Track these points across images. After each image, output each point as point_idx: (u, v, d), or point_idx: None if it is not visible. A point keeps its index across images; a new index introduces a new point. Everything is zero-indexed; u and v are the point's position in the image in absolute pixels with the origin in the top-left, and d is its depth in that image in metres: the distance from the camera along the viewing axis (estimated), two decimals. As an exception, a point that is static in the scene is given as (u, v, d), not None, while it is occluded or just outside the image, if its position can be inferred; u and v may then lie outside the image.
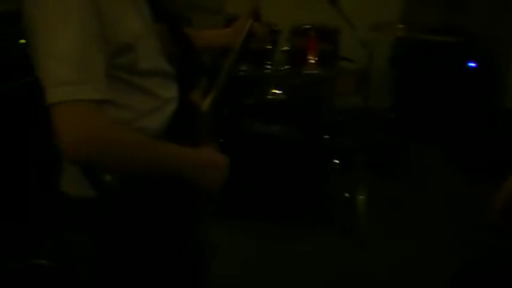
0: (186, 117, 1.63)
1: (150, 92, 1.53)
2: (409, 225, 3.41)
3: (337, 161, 3.40)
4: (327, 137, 3.29)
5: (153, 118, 1.54)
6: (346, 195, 3.40)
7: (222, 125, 3.32)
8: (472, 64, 4.34)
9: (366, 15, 3.99)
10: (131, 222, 1.52)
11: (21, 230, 2.95)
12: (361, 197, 3.28)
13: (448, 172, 3.99)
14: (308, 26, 3.57)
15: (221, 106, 1.89)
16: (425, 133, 4.21)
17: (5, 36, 2.96)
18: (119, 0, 1.41)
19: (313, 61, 3.45)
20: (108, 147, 1.33)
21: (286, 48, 3.54)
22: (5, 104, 2.95)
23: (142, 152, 1.41)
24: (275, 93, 3.35)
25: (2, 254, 2.83)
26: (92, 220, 1.51)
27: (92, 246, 1.56)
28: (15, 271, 2.36)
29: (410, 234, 3.33)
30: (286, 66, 3.50)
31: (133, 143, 1.40)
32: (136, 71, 1.46)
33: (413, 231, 3.36)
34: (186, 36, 1.78)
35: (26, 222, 2.98)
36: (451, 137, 4.15)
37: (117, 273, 1.59)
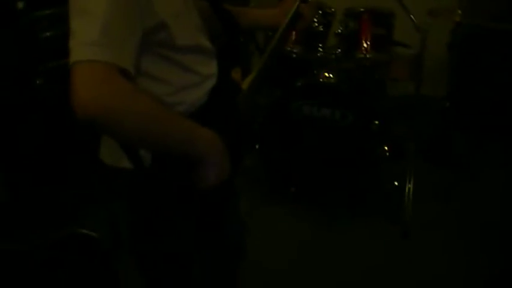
0: (225, 94, 1.64)
1: (189, 68, 1.54)
2: (456, 218, 3.34)
3: (387, 148, 3.34)
4: (377, 122, 3.23)
5: (191, 93, 1.54)
6: (395, 183, 3.36)
7: (270, 106, 3.32)
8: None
9: (422, 1, 3.93)
10: (164, 195, 1.53)
11: (61, 196, 3.04)
12: (409, 186, 3.23)
13: (503, 165, 3.88)
14: (362, 9, 3.50)
15: (264, 86, 1.89)
16: (480, 124, 4.10)
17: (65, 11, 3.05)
18: None
19: (367, 45, 3.40)
20: (116, 112, 1.27)
21: (339, 31, 3.49)
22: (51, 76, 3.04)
23: (157, 123, 1.36)
24: (327, 76, 3.32)
25: (44, 222, 2.93)
26: (128, 191, 1.54)
27: (127, 215, 1.59)
28: (56, 240, 2.43)
29: (456, 226, 3.26)
30: (339, 50, 3.46)
31: (150, 112, 1.35)
32: (174, 47, 1.47)
33: (461, 224, 3.29)
34: (228, 13, 1.78)
35: (66, 188, 3.06)
36: (508, 130, 4.04)
37: (154, 244, 1.63)
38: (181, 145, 1.41)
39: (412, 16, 3.42)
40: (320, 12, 3.46)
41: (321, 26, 3.46)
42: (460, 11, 3.58)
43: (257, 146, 3.42)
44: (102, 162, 1.60)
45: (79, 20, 1.28)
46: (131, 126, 1.30)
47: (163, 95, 1.49)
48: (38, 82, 3.01)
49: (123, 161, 1.46)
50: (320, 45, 3.46)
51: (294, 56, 3.39)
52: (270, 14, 2.01)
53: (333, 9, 3.56)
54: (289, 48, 3.42)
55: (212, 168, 1.46)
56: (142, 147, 1.42)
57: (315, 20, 3.43)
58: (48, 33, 3.04)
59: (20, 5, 2.99)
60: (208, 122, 1.48)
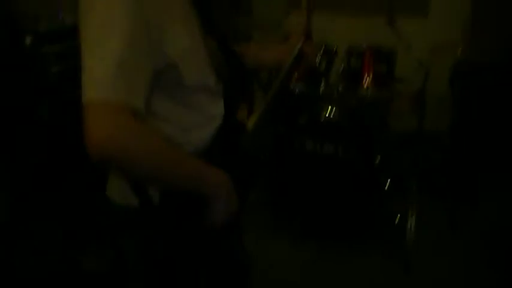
0: (231, 135, 1.66)
1: (196, 108, 1.56)
2: (459, 252, 3.34)
3: (389, 182, 3.36)
4: (380, 157, 3.26)
5: (197, 133, 1.57)
6: (398, 217, 3.37)
7: (275, 142, 3.36)
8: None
9: (425, 37, 3.98)
10: (173, 232, 1.54)
11: (69, 231, 3.05)
12: (411, 219, 3.25)
13: (505, 199, 3.89)
14: (364, 47, 3.56)
15: (269, 123, 1.91)
16: (482, 158, 4.12)
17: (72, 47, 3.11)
18: (169, 17, 1.45)
19: (369, 82, 3.45)
20: (133, 150, 1.30)
21: (342, 68, 3.54)
22: (64, 108, 3.08)
23: (167, 162, 1.39)
24: (329, 112, 3.36)
25: (51, 256, 2.94)
26: (135, 228, 1.56)
27: (135, 253, 1.61)
28: (64, 274, 2.44)
29: (459, 261, 3.27)
30: (341, 86, 3.50)
31: (161, 152, 1.38)
32: (183, 87, 1.49)
33: (463, 258, 3.29)
34: (235, 52, 1.81)
35: (74, 225, 3.08)
36: (510, 163, 4.05)
37: (162, 279, 1.63)
38: (192, 183, 1.44)
39: (413, 53, 3.47)
40: (323, 49, 3.50)
41: (323, 63, 3.50)
42: (461, 48, 3.63)
43: (262, 181, 3.44)
44: (110, 199, 1.63)
45: (92, 58, 1.30)
46: (144, 165, 1.33)
47: (170, 134, 1.51)
48: (43, 115, 3.04)
49: (131, 199, 1.48)
50: (323, 82, 3.50)
51: (297, 92, 3.43)
52: (274, 52, 2.04)
53: (335, 47, 3.61)
54: (292, 85, 3.47)
55: (221, 206, 1.50)
56: (154, 185, 1.45)
57: (318, 57, 3.47)
58: (54, 68, 3.09)
59: (28, 40, 3.04)
60: (214, 160, 1.51)
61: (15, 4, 3.11)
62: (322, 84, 3.47)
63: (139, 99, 1.33)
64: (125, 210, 1.55)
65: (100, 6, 1.32)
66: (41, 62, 3.06)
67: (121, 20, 1.31)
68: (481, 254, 3.31)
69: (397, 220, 3.38)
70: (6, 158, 2.93)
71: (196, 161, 1.46)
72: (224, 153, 1.61)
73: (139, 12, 1.33)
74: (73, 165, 3.03)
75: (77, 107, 2.77)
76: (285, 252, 3.34)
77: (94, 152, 1.25)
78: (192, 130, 1.56)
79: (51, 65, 3.08)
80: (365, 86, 3.44)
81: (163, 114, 1.49)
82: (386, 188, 3.39)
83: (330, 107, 3.36)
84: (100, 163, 1.29)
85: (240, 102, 1.75)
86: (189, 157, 1.46)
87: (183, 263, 1.60)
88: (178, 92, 1.50)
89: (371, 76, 3.46)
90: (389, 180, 3.41)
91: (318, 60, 3.43)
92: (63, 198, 3.07)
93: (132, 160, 1.30)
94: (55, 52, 3.10)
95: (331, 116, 3.33)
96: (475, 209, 3.78)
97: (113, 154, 1.27)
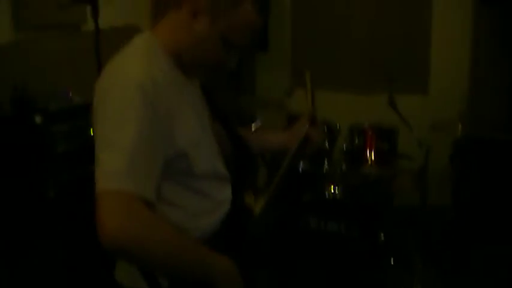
0: (238, 220, 1.69)
1: (205, 194, 1.60)
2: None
3: (393, 259, 3.36)
4: (383, 234, 3.28)
5: (205, 218, 1.60)
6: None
7: (280, 221, 3.38)
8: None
9: (425, 114, 4.06)
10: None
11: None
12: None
13: (510, 272, 3.87)
14: (366, 126, 3.63)
15: (275, 207, 1.94)
16: (486, 233, 4.12)
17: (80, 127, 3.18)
18: (179, 109, 1.51)
19: (371, 160, 3.50)
20: (144, 240, 1.33)
21: (344, 146, 3.60)
22: (73, 190, 3.11)
23: (177, 251, 1.42)
24: (333, 191, 3.40)
25: None
26: None
27: None
28: None
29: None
30: (345, 165, 3.55)
31: (171, 241, 1.41)
32: (192, 175, 1.54)
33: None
34: (241, 138, 1.87)
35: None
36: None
37: None
38: (199, 271, 1.47)
39: (414, 132, 3.53)
40: (326, 128, 3.58)
41: (326, 142, 3.56)
42: (460, 125, 3.69)
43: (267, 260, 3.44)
44: (118, 283, 1.64)
45: (106, 152, 1.36)
46: (155, 255, 1.36)
47: (179, 219, 1.54)
48: (50, 194, 3.08)
49: (140, 283, 1.50)
50: (326, 160, 3.55)
51: (301, 170, 3.48)
52: (279, 137, 2.07)
53: (338, 126, 3.68)
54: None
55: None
56: (163, 273, 1.47)
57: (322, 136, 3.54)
58: (61, 148, 3.14)
59: (38, 119, 3.11)
60: (220, 245, 1.55)
61: (28, 83, 3.20)
62: (326, 162, 3.53)
63: (150, 190, 1.38)
64: None
65: (113, 105, 1.39)
66: (49, 141, 3.12)
67: (133, 117, 1.37)
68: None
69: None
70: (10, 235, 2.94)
71: (204, 249, 1.49)
72: (231, 237, 1.63)
73: (151, 108, 1.40)
74: (78, 247, 3.05)
75: (82, 187, 2.82)
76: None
77: (106, 241, 1.29)
78: (200, 216, 1.60)
79: (58, 144, 3.13)
80: (368, 164, 3.49)
81: (172, 199, 1.53)
82: (390, 264, 3.38)
83: (333, 185, 3.40)
84: (111, 252, 1.33)
85: (246, 187, 1.78)
86: (197, 245, 1.49)
87: None
88: (188, 179, 1.55)
89: (373, 154, 3.52)
90: (393, 256, 3.39)
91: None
92: (70, 281, 3.06)
93: (143, 250, 1.34)
94: (62, 131, 3.15)
95: (335, 194, 3.36)
96: (480, 282, 3.75)
97: (124, 244, 1.31)
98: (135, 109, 1.38)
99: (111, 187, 1.32)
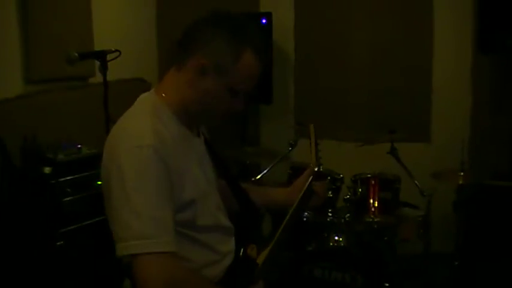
0: (242, 272, 1.74)
1: (209, 246, 1.66)
2: None
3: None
4: (388, 284, 3.28)
5: (210, 270, 1.66)
6: None
7: (283, 269, 3.39)
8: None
9: (427, 162, 4.10)
10: None
11: None
12: None
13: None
14: (369, 175, 3.67)
15: (277, 259, 1.98)
16: (491, 280, 4.11)
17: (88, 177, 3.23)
18: (185, 163, 1.58)
19: (375, 209, 3.53)
20: None
21: (348, 195, 3.64)
22: (79, 239, 3.15)
23: None
24: (337, 240, 3.42)
25: None
26: None
27: None
28: None
29: None
30: (348, 214, 3.57)
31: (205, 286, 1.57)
32: (196, 227, 1.61)
33: None
34: (245, 193, 1.92)
35: None
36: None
37: None
38: None
39: (416, 182, 3.58)
40: (329, 178, 3.62)
41: (330, 192, 3.60)
42: (462, 173, 3.73)
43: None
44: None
45: (131, 216, 1.45)
46: None
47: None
48: (58, 244, 3.11)
49: None
50: (330, 209, 3.58)
51: (305, 219, 3.51)
52: (282, 192, 2.13)
53: (341, 175, 3.72)
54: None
55: None
56: None
57: (325, 185, 3.57)
58: (69, 198, 3.18)
59: (47, 170, 3.16)
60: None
61: (38, 134, 3.26)
62: (329, 211, 3.56)
63: (174, 242, 1.49)
64: None
65: (130, 168, 1.48)
66: (57, 191, 3.17)
67: (149, 177, 1.47)
68: None
69: None
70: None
71: None
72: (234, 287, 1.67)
73: (163, 166, 1.49)
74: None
75: (89, 237, 2.86)
76: None
77: None
78: (206, 267, 1.66)
79: (66, 194, 3.18)
80: (371, 213, 3.52)
81: (180, 253, 1.57)
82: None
83: (337, 234, 3.42)
84: None
85: (250, 240, 1.83)
86: None
87: None
88: (192, 232, 1.61)
89: (377, 203, 3.55)
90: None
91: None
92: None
93: None
94: (70, 182, 3.21)
95: (339, 243, 3.39)
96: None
97: None
98: (151, 170, 1.47)
99: (145, 250, 1.42)
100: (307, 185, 2.01)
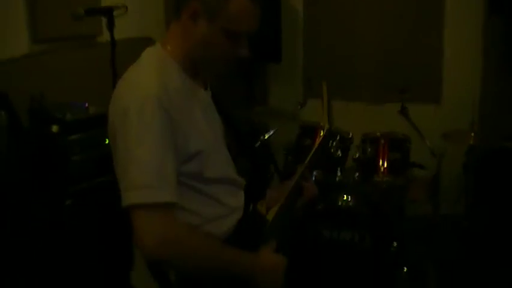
0: (251, 228, 1.73)
1: (217, 200, 1.66)
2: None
3: (406, 269, 3.36)
4: (396, 244, 3.28)
5: (218, 224, 1.65)
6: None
7: (292, 230, 3.38)
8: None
9: (437, 123, 4.06)
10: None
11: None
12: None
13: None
14: (379, 135, 3.64)
15: (288, 216, 1.96)
16: (499, 242, 4.11)
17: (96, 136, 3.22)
18: (191, 114, 1.57)
19: (384, 169, 3.51)
20: (182, 249, 1.46)
21: (357, 155, 3.61)
22: (88, 199, 3.15)
23: (211, 255, 1.54)
24: (345, 200, 3.41)
25: None
26: None
27: None
28: None
29: None
30: (357, 174, 3.56)
31: (205, 246, 1.53)
32: (203, 179, 1.60)
33: None
34: (255, 149, 1.91)
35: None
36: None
37: None
38: (234, 271, 1.59)
39: (427, 141, 3.55)
40: (338, 137, 3.59)
41: (339, 151, 3.57)
42: (473, 134, 3.70)
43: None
44: (133, 286, 1.69)
45: (132, 166, 1.44)
46: (192, 261, 1.50)
47: (192, 224, 1.59)
48: (67, 203, 3.11)
49: (154, 287, 1.57)
50: (339, 169, 3.56)
51: (314, 180, 3.49)
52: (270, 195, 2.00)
53: (350, 135, 3.69)
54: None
55: (264, 283, 1.65)
56: (199, 274, 1.56)
57: (334, 144, 3.56)
58: (78, 157, 3.17)
59: (55, 129, 3.15)
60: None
61: (45, 94, 3.24)
62: (338, 171, 3.54)
63: (175, 193, 1.48)
64: None
65: (133, 120, 1.47)
66: (65, 151, 3.15)
67: (153, 129, 1.45)
68: None
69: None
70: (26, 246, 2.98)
71: (233, 250, 1.59)
72: (244, 244, 1.66)
73: (167, 117, 1.48)
74: (95, 254, 3.08)
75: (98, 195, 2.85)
76: None
77: (148, 255, 1.45)
78: (214, 221, 1.65)
79: (75, 153, 3.17)
80: (380, 173, 3.50)
81: (186, 205, 1.59)
82: (403, 274, 3.38)
83: (345, 194, 3.41)
84: (152, 262, 1.49)
85: (260, 196, 1.81)
86: (228, 247, 1.59)
87: None
88: (199, 184, 1.60)
89: (386, 163, 3.52)
90: (406, 266, 3.39)
91: (333, 147, 3.52)
92: (87, 286, 3.10)
93: (182, 260, 1.48)
94: (79, 141, 3.19)
95: (348, 204, 3.38)
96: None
97: (165, 257, 1.45)
98: (154, 121, 1.45)
99: (145, 201, 1.42)
100: (295, 181, 1.97)
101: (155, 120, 1.45)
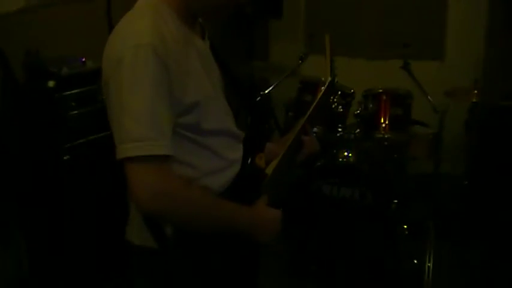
0: (249, 182, 1.69)
1: (215, 152, 1.61)
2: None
3: (406, 227, 3.35)
4: (396, 201, 3.26)
5: (216, 178, 1.61)
6: (415, 262, 3.34)
7: (292, 186, 3.36)
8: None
9: (440, 80, 4.01)
10: (190, 273, 1.59)
11: (89, 274, 3.09)
12: (429, 264, 3.22)
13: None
14: (380, 90, 3.59)
15: (288, 170, 1.93)
16: (500, 200, 4.09)
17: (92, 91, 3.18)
18: (187, 64, 1.51)
19: (385, 125, 3.47)
20: (176, 203, 1.43)
21: (358, 111, 3.56)
22: (86, 154, 3.13)
23: (206, 209, 1.50)
24: (346, 156, 3.38)
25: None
26: (153, 268, 1.60)
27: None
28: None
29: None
30: (358, 130, 3.52)
31: (199, 200, 1.49)
32: (200, 131, 1.55)
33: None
34: (256, 102, 1.86)
35: (94, 268, 3.11)
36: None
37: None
38: (230, 225, 1.55)
39: (429, 97, 3.50)
40: (340, 93, 3.54)
41: (340, 107, 3.53)
42: (476, 91, 3.65)
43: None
44: (128, 241, 1.66)
45: (125, 117, 1.39)
46: (187, 215, 1.46)
47: (190, 179, 1.55)
48: (65, 158, 3.09)
49: (149, 241, 1.55)
50: (340, 125, 3.52)
51: (314, 135, 3.44)
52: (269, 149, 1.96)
53: (352, 90, 3.64)
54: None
55: (260, 236, 1.62)
56: (193, 229, 1.52)
57: (335, 100, 3.51)
58: (75, 112, 3.14)
59: (51, 84, 3.11)
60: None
61: (41, 49, 3.19)
62: (339, 127, 3.50)
63: (170, 145, 1.43)
64: (143, 252, 1.60)
65: (126, 69, 1.41)
66: (62, 106, 3.12)
67: (146, 79, 1.40)
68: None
69: (414, 264, 3.34)
70: (23, 202, 2.97)
71: (230, 204, 1.55)
72: (242, 197, 1.63)
73: (162, 66, 1.41)
74: (91, 209, 3.07)
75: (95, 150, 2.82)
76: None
77: (141, 209, 1.44)
78: (212, 174, 1.61)
79: (71, 108, 3.13)
80: (382, 130, 3.46)
81: (183, 158, 1.54)
82: (403, 232, 3.36)
83: (346, 151, 3.38)
84: (147, 216, 1.48)
85: (258, 149, 1.77)
86: (224, 201, 1.55)
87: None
88: (197, 136, 1.56)
89: (387, 119, 3.48)
90: (406, 223, 3.38)
91: (335, 103, 3.47)
92: (82, 240, 3.10)
93: (176, 213, 1.44)
94: (75, 96, 3.15)
95: (348, 160, 3.35)
96: (493, 253, 3.73)
97: (158, 210, 1.42)
98: (148, 70, 1.40)
99: (139, 153, 1.37)
100: (295, 134, 1.91)
101: (149, 70, 1.40)
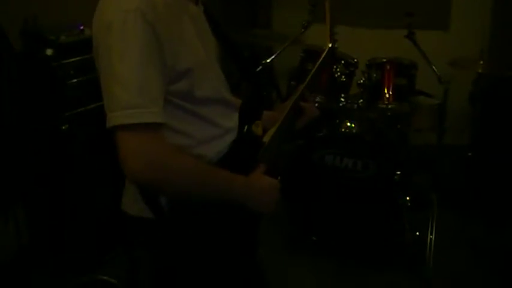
0: (245, 149, 1.66)
1: (210, 120, 1.58)
2: (481, 269, 3.28)
3: (409, 198, 3.31)
4: (399, 172, 3.22)
5: (211, 146, 1.58)
6: (417, 233, 3.32)
7: (294, 155, 3.33)
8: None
9: (445, 50, 3.94)
10: (185, 243, 1.57)
11: (87, 245, 3.08)
12: (431, 236, 3.20)
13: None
14: (384, 60, 3.53)
15: (285, 139, 1.89)
16: (503, 172, 4.06)
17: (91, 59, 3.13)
18: (179, 30, 1.47)
19: (389, 95, 3.42)
20: (169, 172, 1.39)
21: (362, 81, 3.50)
22: (83, 123, 3.10)
23: (201, 177, 1.46)
24: (349, 126, 3.34)
25: (69, 269, 2.98)
26: (149, 239, 1.59)
27: (150, 264, 1.64)
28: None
29: (481, 279, 3.20)
30: (362, 100, 3.47)
31: (194, 169, 1.46)
32: (194, 99, 1.51)
33: (485, 276, 3.23)
34: (254, 71, 1.82)
35: (94, 237, 3.11)
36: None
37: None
38: (222, 194, 1.51)
39: (434, 67, 3.44)
40: (343, 62, 3.49)
41: (343, 76, 3.48)
42: (481, 62, 3.60)
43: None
44: (124, 212, 1.63)
45: (115, 85, 1.35)
46: (179, 185, 1.43)
47: (184, 148, 1.52)
48: (63, 128, 3.06)
49: (145, 212, 1.52)
50: (343, 95, 3.48)
51: (317, 105, 3.41)
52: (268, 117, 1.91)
53: (355, 60, 3.59)
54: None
55: (258, 206, 1.59)
56: (188, 199, 1.50)
57: (338, 69, 3.46)
58: (73, 81, 3.10)
59: (49, 52, 3.06)
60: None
61: (38, 16, 3.15)
62: (342, 97, 3.46)
63: (161, 113, 1.39)
64: (139, 222, 1.58)
65: (115, 35, 1.37)
66: (60, 74, 3.08)
67: (136, 45, 1.36)
68: (502, 273, 3.25)
69: (417, 236, 3.32)
70: (22, 171, 2.95)
71: (223, 172, 1.52)
72: (239, 165, 1.60)
73: (152, 32, 1.37)
74: (90, 178, 3.05)
75: (94, 119, 2.80)
76: (303, 268, 3.30)
77: (132, 179, 1.39)
78: (207, 143, 1.58)
79: (70, 77, 3.09)
80: (385, 100, 3.41)
81: (177, 126, 1.51)
82: (405, 203, 3.33)
83: (349, 121, 3.34)
84: (138, 185, 1.45)
85: (255, 117, 1.73)
86: (216, 170, 1.52)
87: (194, 274, 1.62)
88: (191, 104, 1.52)
89: (391, 89, 3.43)
90: (409, 195, 3.35)
91: (338, 72, 3.42)
92: (79, 211, 3.09)
93: (166, 182, 1.40)
94: (74, 64, 3.11)
95: (351, 130, 3.31)
96: (496, 225, 3.71)
97: (149, 180, 1.38)
98: (137, 36, 1.36)
99: (128, 121, 1.34)
100: (293, 101, 1.88)
101: (138, 36, 1.35)
